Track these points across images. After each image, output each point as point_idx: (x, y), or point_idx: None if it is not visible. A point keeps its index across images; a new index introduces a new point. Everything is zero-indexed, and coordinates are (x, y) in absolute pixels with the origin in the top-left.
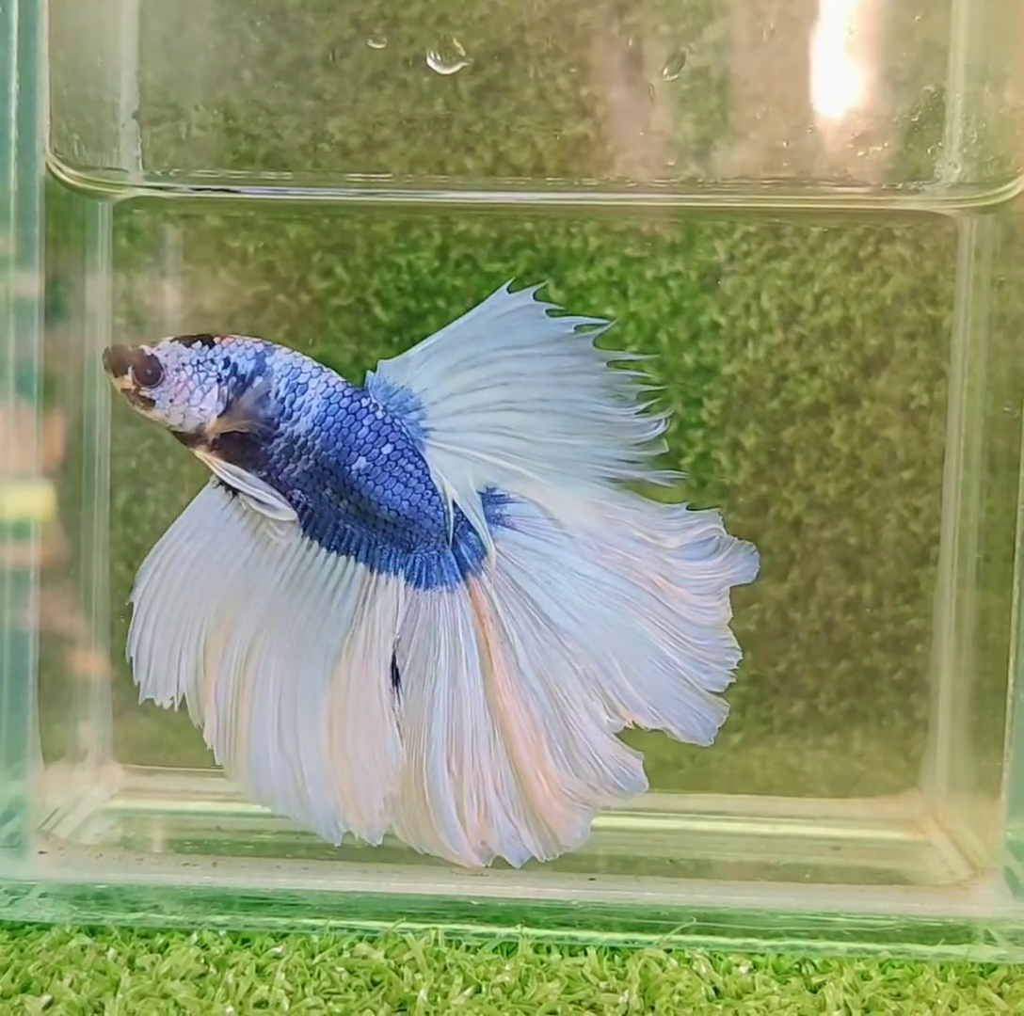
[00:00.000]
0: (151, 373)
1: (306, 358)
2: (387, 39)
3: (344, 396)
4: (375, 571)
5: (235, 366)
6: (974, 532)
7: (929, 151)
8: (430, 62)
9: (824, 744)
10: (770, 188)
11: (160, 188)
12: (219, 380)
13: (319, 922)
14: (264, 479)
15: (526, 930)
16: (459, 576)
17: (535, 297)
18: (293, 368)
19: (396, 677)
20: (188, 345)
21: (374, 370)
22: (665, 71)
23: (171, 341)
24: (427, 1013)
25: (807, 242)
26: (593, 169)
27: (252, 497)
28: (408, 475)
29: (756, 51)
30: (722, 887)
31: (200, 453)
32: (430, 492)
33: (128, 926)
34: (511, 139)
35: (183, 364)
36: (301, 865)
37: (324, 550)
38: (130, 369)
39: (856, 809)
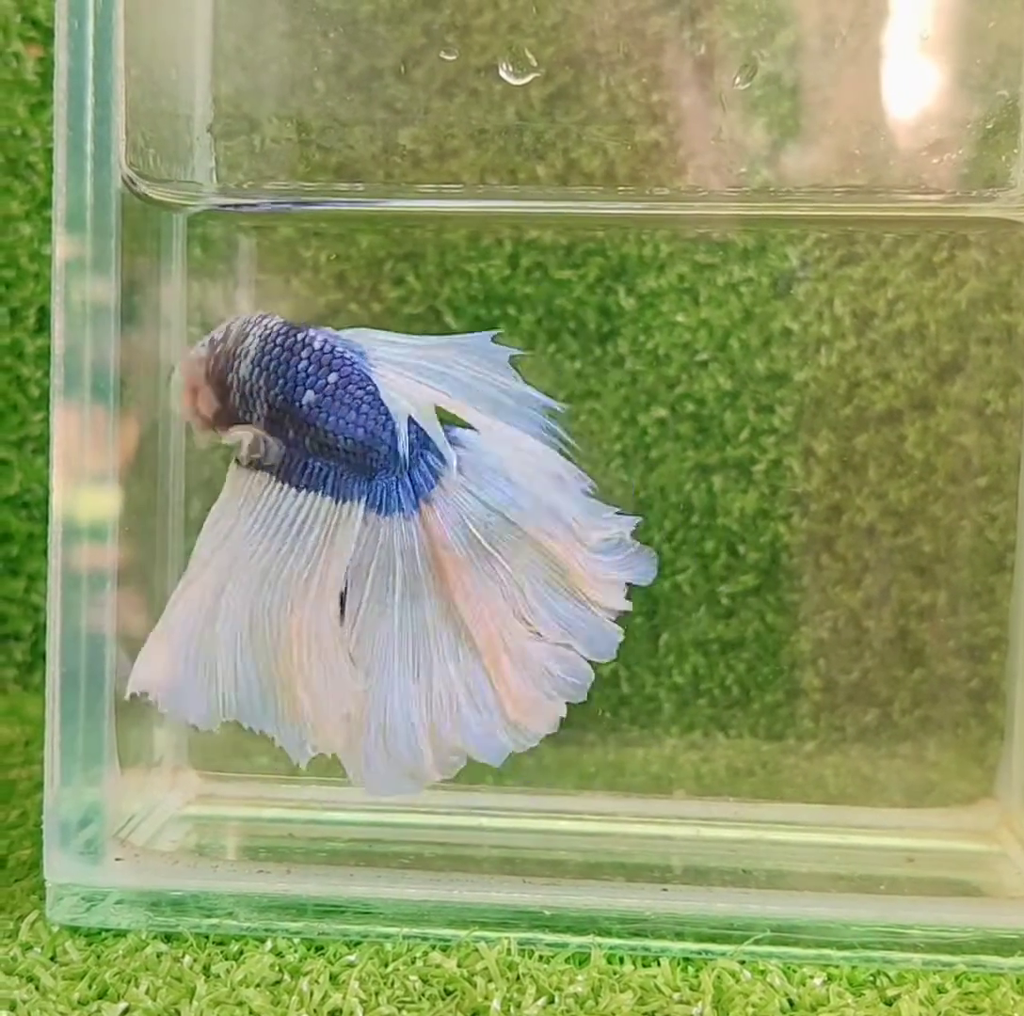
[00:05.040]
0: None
1: (268, 315)
2: (458, 48)
3: (279, 334)
4: (339, 502)
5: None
6: None
7: (1004, 158)
8: (502, 73)
9: (898, 753)
10: (843, 196)
11: (236, 206)
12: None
13: (392, 930)
14: None
15: (599, 940)
16: (415, 502)
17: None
18: (247, 324)
19: (342, 607)
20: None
21: None
22: (737, 78)
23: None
24: None
25: (880, 248)
26: (665, 176)
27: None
28: (359, 400)
29: (828, 57)
30: (796, 898)
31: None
32: (383, 416)
33: (203, 933)
34: (582, 146)
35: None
36: (375, 873)
37: (293, 489)
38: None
39: (930, 819)
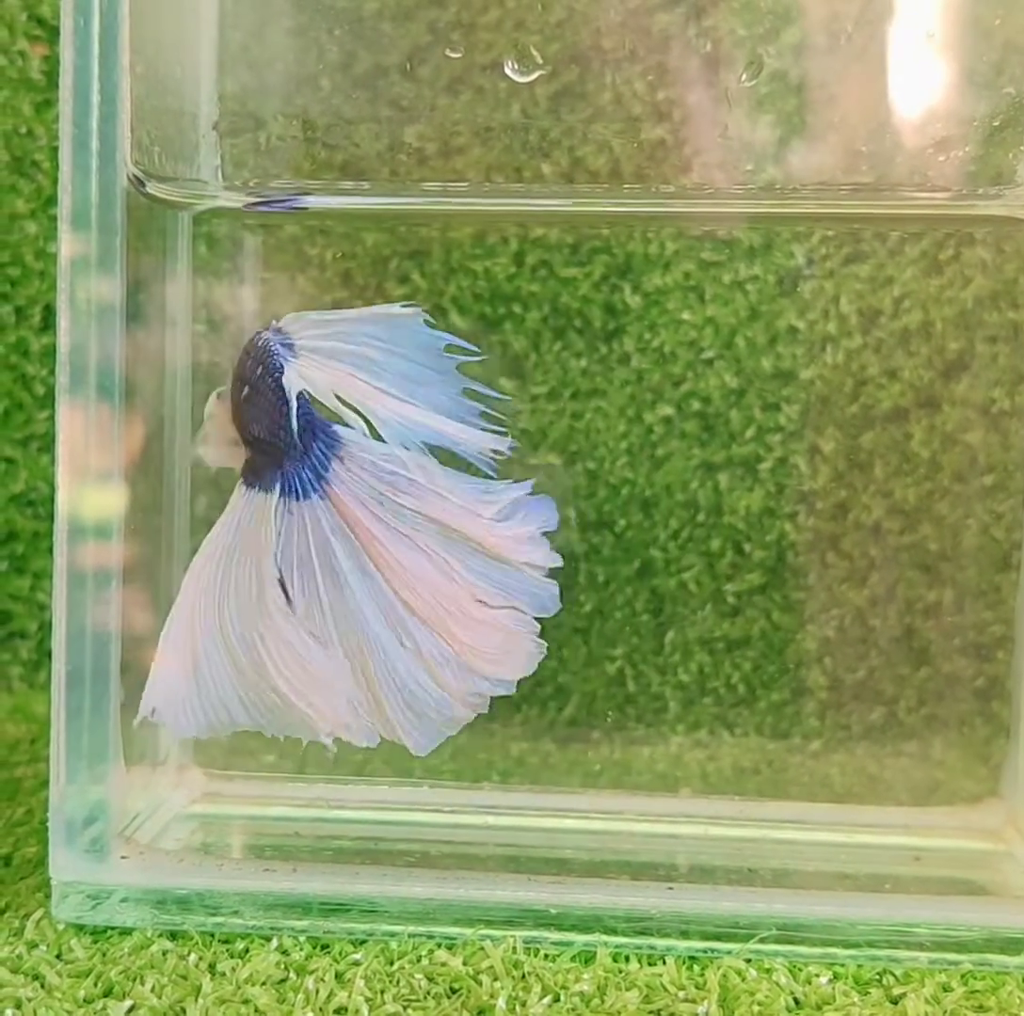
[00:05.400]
0: None
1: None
2: (464, 46)
3: (247, 341)
4: (266, 493)
5: None
6: None
7: (1011, 155)
8: (508, 71)
9: (904, 751)
10: (849, 193)
11: (247, 207)
12: None
13: (398, 928)
14: None
15: (604, 938)
16: (319, 484)
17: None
18: None
19: (287, 595)
20: None
21: None
22: (743, 76)
23: None
24: None
25: (886, 245)
26: (670, 174)
27: None
28: (267, 388)
29: (834, 54)
30: (801, 896)
31: None
32: (282, 403)
33: (209, 931)
34: (588, 144)
35: None
36: (380, 871)
37: (246, 488)
38: None
39: (936, 818)
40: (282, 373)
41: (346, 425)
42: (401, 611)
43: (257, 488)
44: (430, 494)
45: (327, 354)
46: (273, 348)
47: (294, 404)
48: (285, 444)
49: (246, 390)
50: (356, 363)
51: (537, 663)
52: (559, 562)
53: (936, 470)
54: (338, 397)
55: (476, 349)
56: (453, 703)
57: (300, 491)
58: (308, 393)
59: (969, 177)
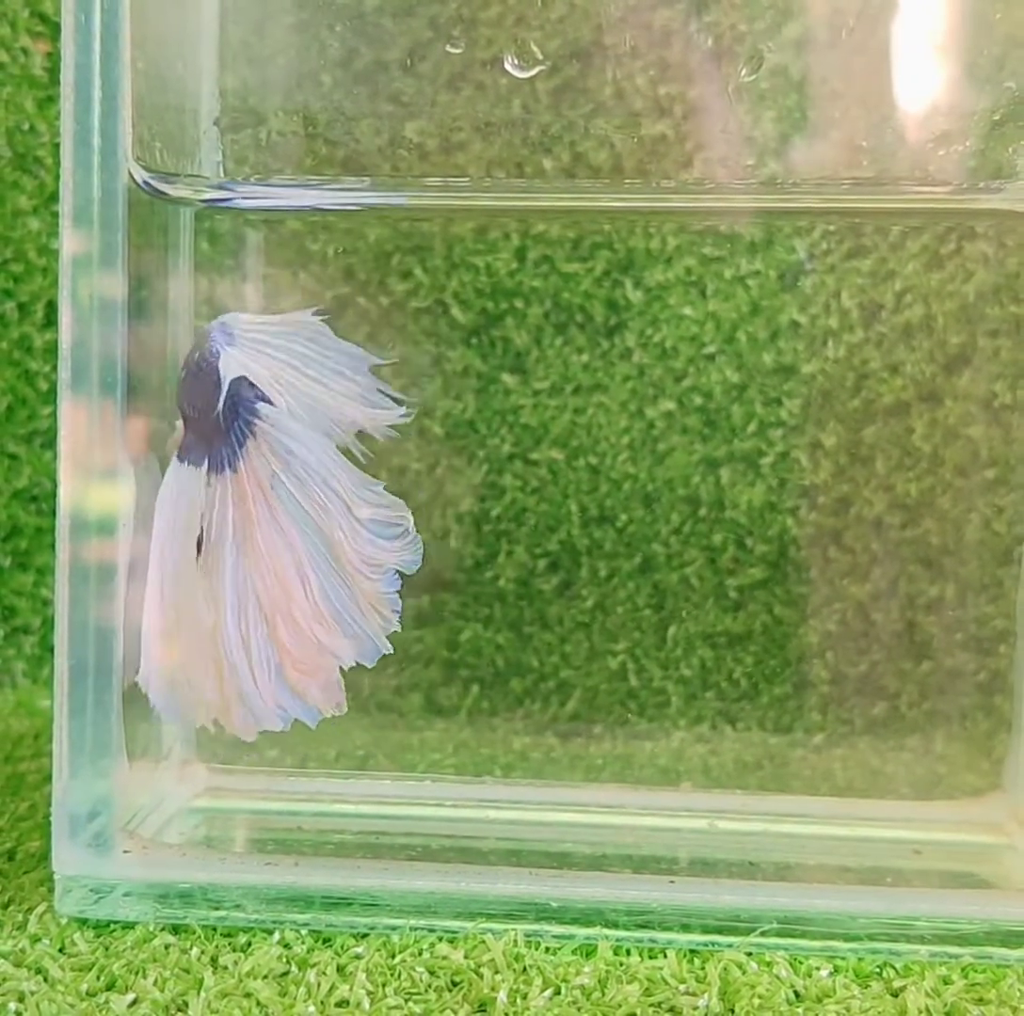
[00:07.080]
0: None
1: None
2: (464, 41)
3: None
4: (200, 468)
5: None
6: None
7: (1011, 149)
8: (508, 66)
9: (906, 745)
10: (850, 188)
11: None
12: None
13: (399, 922)
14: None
15: (605, 932)
16: (234, 462)
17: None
18: None
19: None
20: None
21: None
22: (744, 71)
23: None
24: (507, 1014)
25: (888, 240)
26: (672, 169)
27: None
28: (205, 372)
29: (835, 49)
30: (803, 890)
31: None
32: (216, 385)
33: (211, 925)
34: (589, 140)
35: None
36: (382, 865)
37: (191, 466)
38: None
39: (938, 811)
40: (218, 358)
41: (270, 403)
42: (252, 598)
43: (188, 462)
44: (317, 479)
45: (263, 345)
46: (212, 335)
47: (225, 388)
48: (214, 423)
49: (183, 373)
50: (289, 353)
51: (341, 705)
52: (397, 606)
53: (938, 464)
54: (271, 383)
55: (382, 360)
56: (264, 707)
57: (220, 465)
58: (247, 378)
59: (970, 171)
